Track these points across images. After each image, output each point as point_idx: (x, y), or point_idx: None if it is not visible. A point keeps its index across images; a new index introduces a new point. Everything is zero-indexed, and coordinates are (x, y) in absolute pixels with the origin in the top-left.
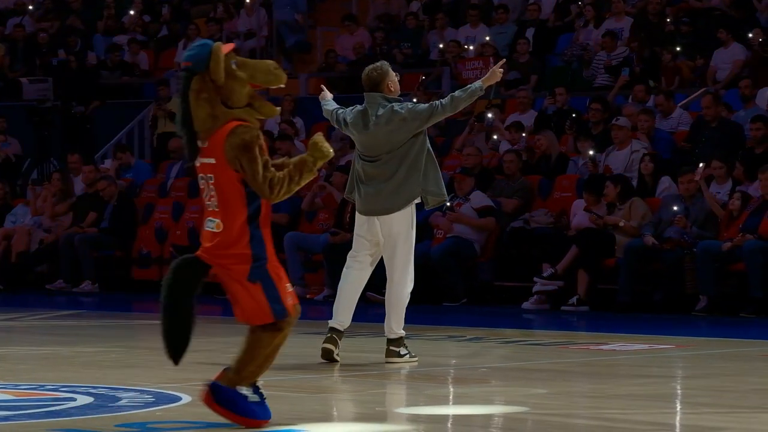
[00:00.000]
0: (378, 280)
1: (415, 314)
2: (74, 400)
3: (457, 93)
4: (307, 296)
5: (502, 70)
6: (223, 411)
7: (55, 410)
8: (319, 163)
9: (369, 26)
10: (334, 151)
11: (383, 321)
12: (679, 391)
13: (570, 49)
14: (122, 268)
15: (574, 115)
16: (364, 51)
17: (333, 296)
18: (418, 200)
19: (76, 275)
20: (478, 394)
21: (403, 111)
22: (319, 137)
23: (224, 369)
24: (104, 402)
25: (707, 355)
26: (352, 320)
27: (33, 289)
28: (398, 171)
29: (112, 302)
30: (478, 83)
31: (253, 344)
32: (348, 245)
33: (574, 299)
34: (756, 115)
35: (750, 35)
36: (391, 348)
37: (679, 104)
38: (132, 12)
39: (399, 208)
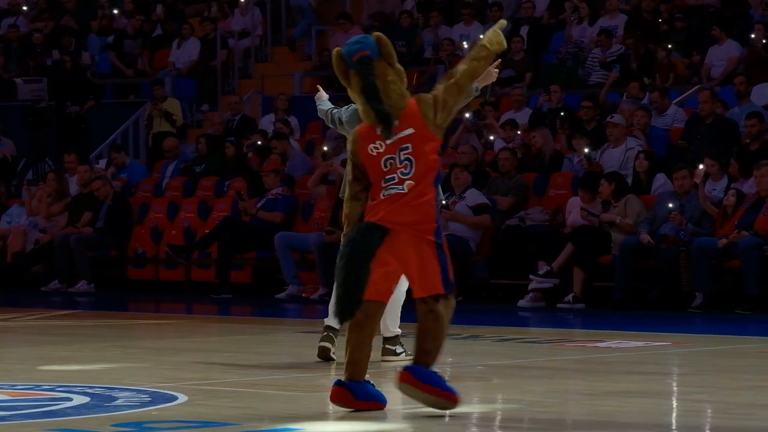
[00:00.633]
0: None
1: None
2: (70, 400)
3: None
4: (303, 295)
5: (497, 69)
6: (426, 387)
7: (52, 410)
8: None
9: (363, 24)
10: (329, 150)
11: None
12: (675, 388)
13: (564, 46)
14: (118, 268)
15: (563, 114)
16: None
17: (328, 295)
18: None
19: (71, 275)
20: (475, 391)
21: None
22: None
23: (414, 356)
24: (100, 402)
25: (703, 351)
26: None
27: (29, 289)
28: None
29: (108, 302)
30: (475, 83)
31: (430, 322)
32: None
33: (569, 297)
34: (751, 111)
35: (752, 35)
36: (387, 346)
37: (674, 101)
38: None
39: None
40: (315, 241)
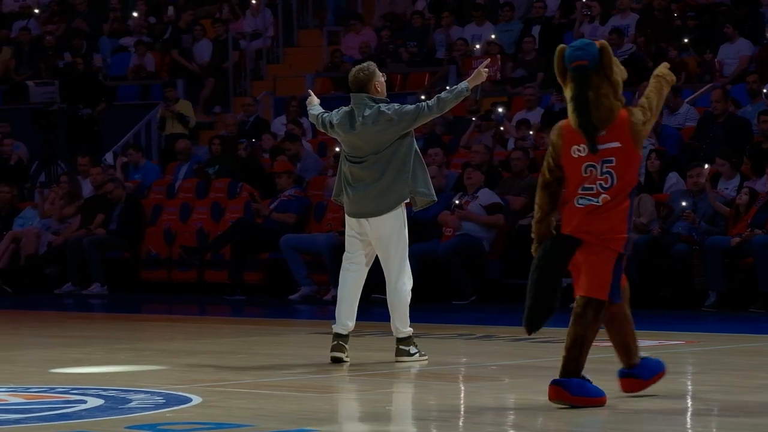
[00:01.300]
0: (382, 279)
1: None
2: (84, 402)
3: (443, 94)
4: (317, 296)
5: (487, 69)
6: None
7: (66, 413)
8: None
9: (375, 25)
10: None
11: (390, 320)
12: (688, 387)
13: None
14: (131, 270)
15: None
16: (370, 50)
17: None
18: (407, 200)
19: (84, 277)
20: (488, 391)
21: (389, 112)
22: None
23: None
24: (114, 404)
25: (716, 350)
26: (360, 319)
27: (42, 291)
28: (386, 173)
29: (121, 304)
30: (464, 84)
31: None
32: None
33: None
34: (763, 109)
35: (766, 33)
36: (401, 347)
37: (686, 100)
38: (136, 14)
39: (388, 210)
40: (326, 242)
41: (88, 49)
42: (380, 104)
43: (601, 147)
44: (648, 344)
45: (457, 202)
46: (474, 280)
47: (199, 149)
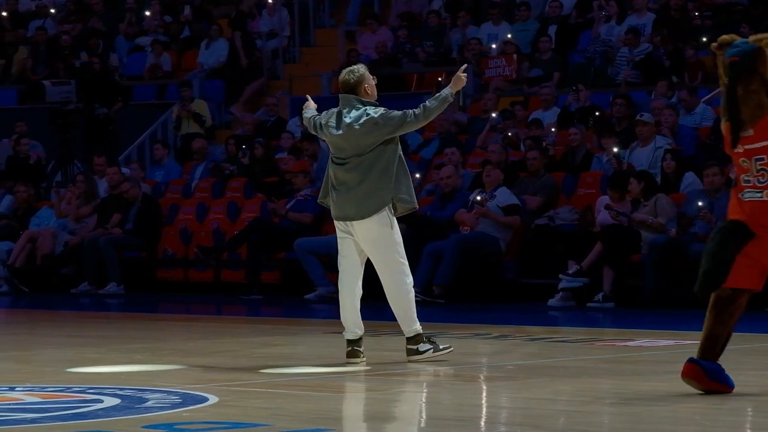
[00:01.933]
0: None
1: (442, 312)
2: (101, 401)
3: (428, 102)
4: (334, 296)
5: (465, 75)
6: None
7: (82, 412)
8: None
9: (391, 25)
10: None
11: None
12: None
13: (592, 45)
14: (147, 270)
15: (597, 114)
16: (386, 50)
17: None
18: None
19: (101, 277)
20: (504, 391)
21: (375, 115)
22: None
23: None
24: (131, 403)
25: (732, 350)
26: (375, 319)
27: (58, 291)
28: (368, 176)
29: (138, 303)
30: (447, 90)
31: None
32: None
33: (599, 296)
34: None
35: None
36: (409, 347)
37: (702, 99)
38: (148, 13)
39: (370, 214)
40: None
41: (104, 48)
42: (368, 107)
43: (748, 147)
44: (664, 344)
45: (478, 198)
46: (490, 280)
47: (215, 149)
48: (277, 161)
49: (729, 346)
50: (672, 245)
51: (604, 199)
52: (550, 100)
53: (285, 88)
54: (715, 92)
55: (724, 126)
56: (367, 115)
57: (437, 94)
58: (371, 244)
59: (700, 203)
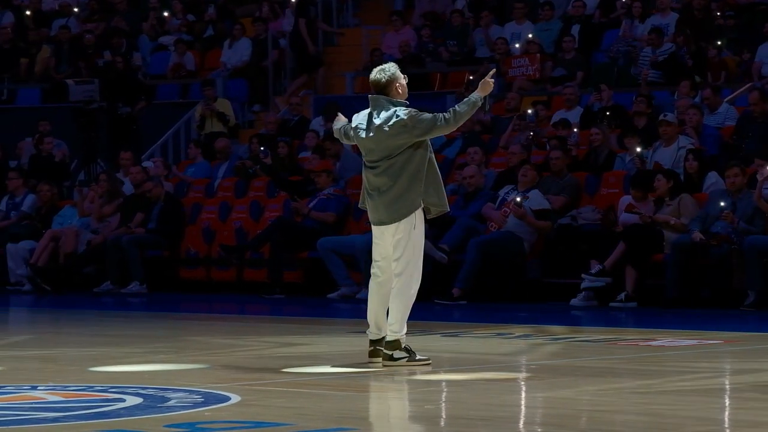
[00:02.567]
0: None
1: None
2: (123, 401)
3: (458, 107)
4: (356, 296)
5: (492, 80)
6: None
7: (105, 411)
8: None
9: (414, 24)
10: None
11: (432, 319)
12: (727, 387)
13: (616, 45)
14: (170, 269)
15: (608, 113)
16: (409, 49)
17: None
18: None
19: (123, 276)
20: (528, 391)
21: (405, 117)
22: None
23: None
24: (153, 402)
25: (755, 350)
26: None
27: (81, 290)
28: (399, 180)
29: (160, 302)
30: (476, 95)
31: None
32: None
33: (622, 295)
34: None
35: None
36: (385, 351)
37: (726, 99)
38: (166, 13)
39: (401, 218)
40: (363, 242)
41: (127, 47)
42: (398, 107)
43: None
44: (687, 343)
45: (518, 199)
46: (514, 280)
47: (238, 148)
48: (300, 160)
49: (752, 346)
50: (695, 245)
51: (627, 199)
52: (573, 99)
53: (308, 88)
54: (737, 92)
55: None
56: (397, 116)
57: (466, 99)
58: (394, 244)
59: (722, 203)
